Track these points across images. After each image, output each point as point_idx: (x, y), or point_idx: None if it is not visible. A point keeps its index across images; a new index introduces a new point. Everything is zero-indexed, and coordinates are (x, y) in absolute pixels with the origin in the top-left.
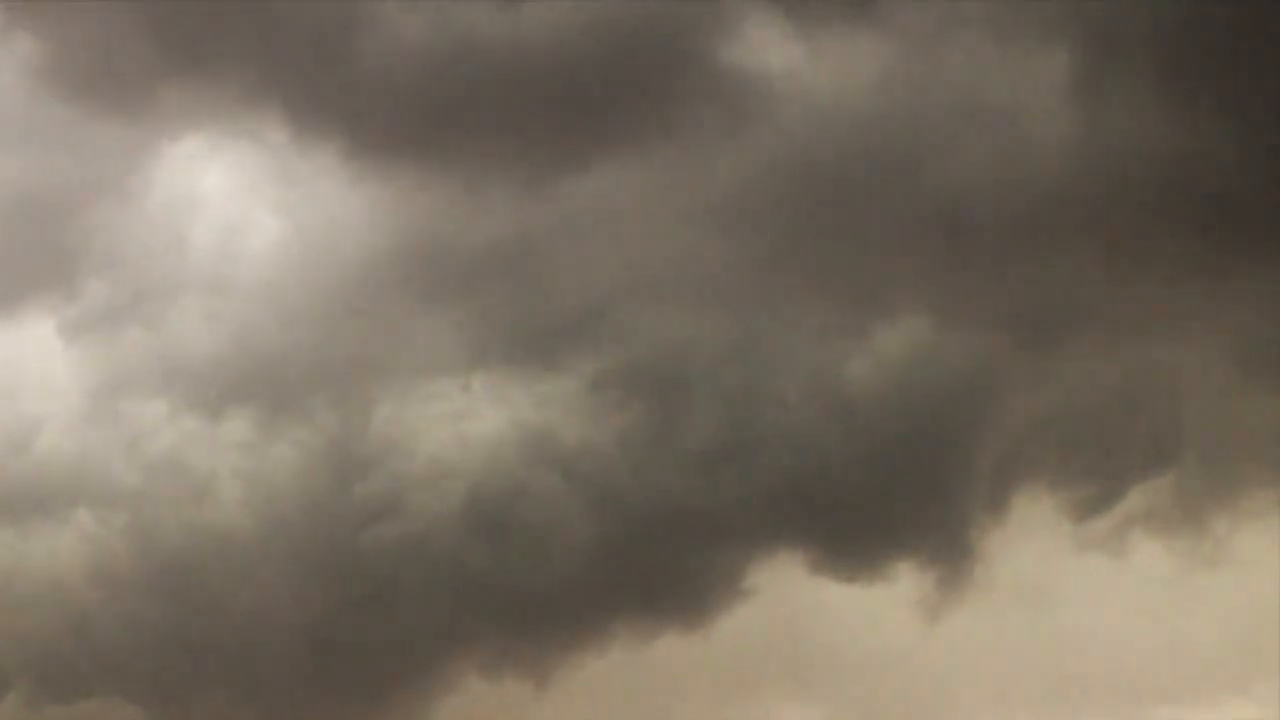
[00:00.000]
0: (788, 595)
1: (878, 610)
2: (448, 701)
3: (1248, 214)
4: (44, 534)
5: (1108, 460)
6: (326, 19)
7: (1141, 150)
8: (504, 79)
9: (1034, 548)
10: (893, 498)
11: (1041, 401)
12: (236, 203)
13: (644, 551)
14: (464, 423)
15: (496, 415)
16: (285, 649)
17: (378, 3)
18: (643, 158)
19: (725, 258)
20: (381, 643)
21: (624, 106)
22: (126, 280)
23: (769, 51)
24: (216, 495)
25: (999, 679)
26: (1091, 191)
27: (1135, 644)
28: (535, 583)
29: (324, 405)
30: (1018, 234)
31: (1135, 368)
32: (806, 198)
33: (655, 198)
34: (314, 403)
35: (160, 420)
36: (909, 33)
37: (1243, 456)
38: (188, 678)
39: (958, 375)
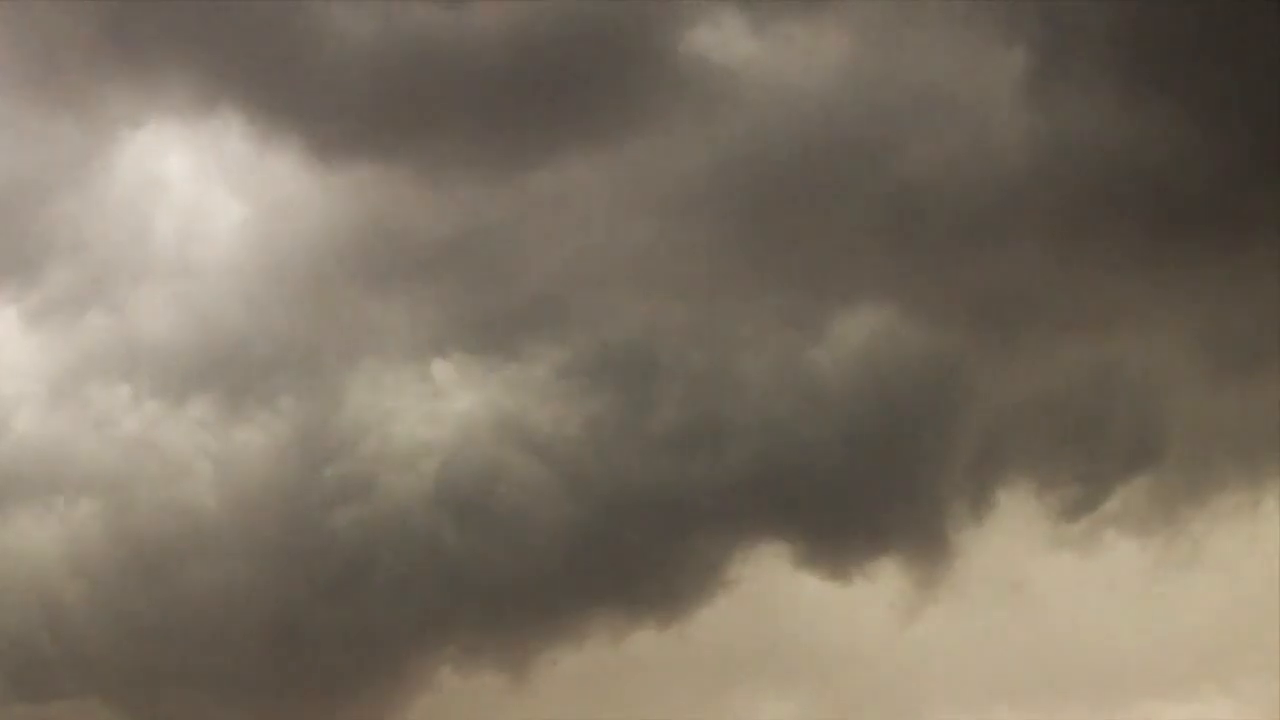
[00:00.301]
0: (768, 590)
1: (859, 606)
2: (422, 699)
3: (1211, 207)
4: (14, 521)
5: (1088, 458)
6: (276, 15)
7: (1100, 144)
8: (460, 75)
9: (1014, 545)
10: (873, 492)
11: (1016, 395)
12: (198, 190)
13: (621, 543)
14: (430, 409)
15: (464, 401)
16: (260, 644)
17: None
18: (605, 149)
19: (689, 246)
20: (353, 635)
21: (585, 99)
22: (89, 267)
23: (730, 43)
24: (186, 482)
25: (979, 676)
26: (1052, 184)
27: (1116, 640)
28: (510, 575)
29: (289, 392)
30: (981, 225)
31: (1106, 363)
32: (768, 188)
33: (617, 188)
34: (278, 389)
35: (125, 405)
36: (869, 27)
37: (1220, 455)
38: (161, 674)
39: (927, 366)
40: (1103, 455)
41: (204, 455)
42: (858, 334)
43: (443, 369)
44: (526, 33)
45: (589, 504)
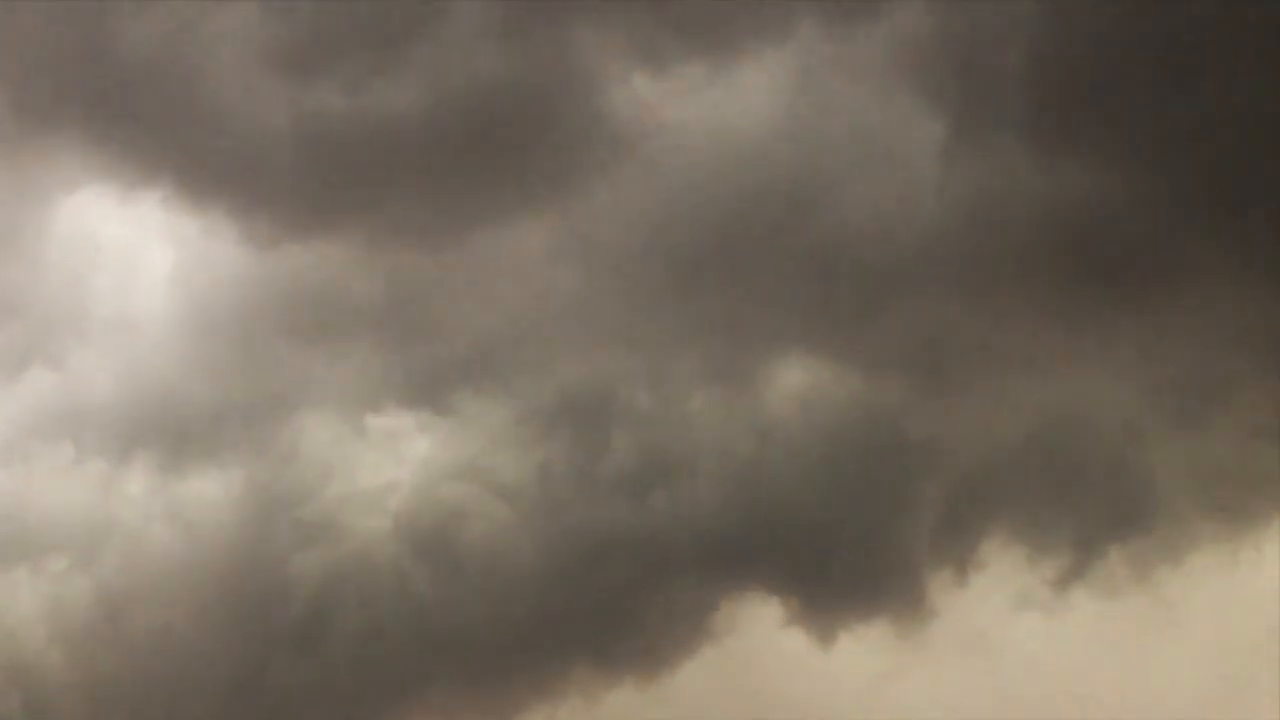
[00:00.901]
0: (746, 647)
1: (842, 664)
2: None
3: (1129, 260)
4: None
5: (1057, 516)
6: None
7: (1019, 200)
8: (381, 150)
9: (996, 607)
10: (850, 549)
11: (967, 452)
12: (133, 253)
13: (596, 594)
14: (371, 463)
15: (415, 451)
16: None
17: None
18: (537, 209)
19: (621, 301)
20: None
21: (517, 162)
22: (27, 329)
23: (660, 102)
24: (132, 539)
25: None
26: (971, 240)
27: (1097, 699)
28: (482, 629)
29: (231, 448)
30: (908, 277)
31: (1054, 416)
32: (697, 241)
33: (550, 248)
34: (219, 446)
35: (70, 463)
36: (799, 88)
37: (1194, 510)
38: None
39: (868, 416)
40: (1075, 514)
41: (150, 511)
42: (792, 383)
43: (380, 423)
44: (444, 103)
45: (563, 566)
